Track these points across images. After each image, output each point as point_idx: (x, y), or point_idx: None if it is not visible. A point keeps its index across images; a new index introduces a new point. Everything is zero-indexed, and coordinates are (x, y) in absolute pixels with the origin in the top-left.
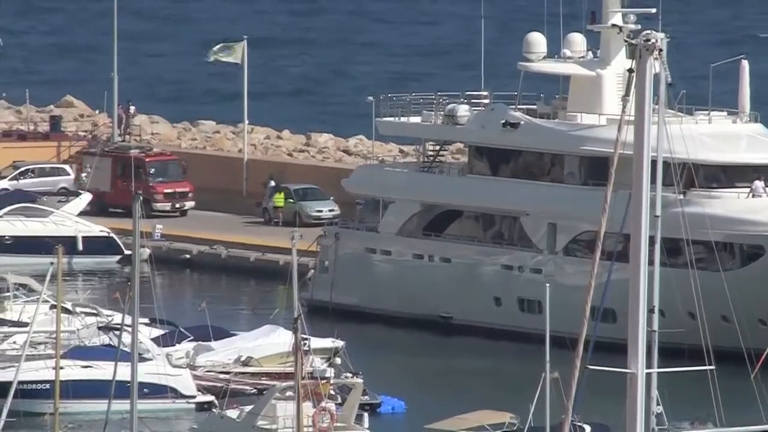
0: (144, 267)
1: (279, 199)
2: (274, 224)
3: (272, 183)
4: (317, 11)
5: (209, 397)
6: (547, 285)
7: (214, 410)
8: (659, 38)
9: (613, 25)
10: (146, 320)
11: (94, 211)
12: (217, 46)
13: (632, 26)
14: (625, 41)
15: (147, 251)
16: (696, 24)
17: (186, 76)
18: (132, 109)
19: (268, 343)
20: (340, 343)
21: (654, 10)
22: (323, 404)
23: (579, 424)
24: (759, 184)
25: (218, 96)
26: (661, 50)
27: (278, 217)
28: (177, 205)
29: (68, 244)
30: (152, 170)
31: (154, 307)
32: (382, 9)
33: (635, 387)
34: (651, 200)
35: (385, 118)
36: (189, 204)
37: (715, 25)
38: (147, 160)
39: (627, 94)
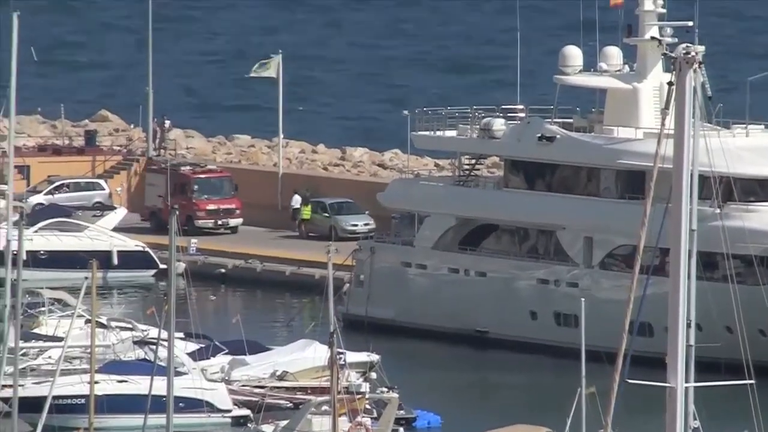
0: (179, 281)
1: (306, 212)
2: (307, 237)
3: (297, 197)
4: (353, 23)
5: (245, 412)
6: (583, 299)
7: (249, 425)
8: (699, 51)
9: (652, 38)
10: (181, 334)
11: (153, 228)
12: (257, 64)
13: (669, 39)
14: (664, 54)
15: (182, 266)
16: (732, 37)
17: (220, 90)
18: (167, 123)
19: (303, 357)
20: (375, 358)
21: (691, 23)
22: (359, 419)
23: None
24: None
25: (253, 110)
26: (701, 63)
27: (310, 230)
28: (220, 222)
29: (103, 258)
30: (196, 187)
31: (189, 322)
32: (414, 18)
33: (674, 401)
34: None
35: (420, 132)
36: (235, 221)
37: (752, 37)
38: (192, 176)
39: (666, 107)
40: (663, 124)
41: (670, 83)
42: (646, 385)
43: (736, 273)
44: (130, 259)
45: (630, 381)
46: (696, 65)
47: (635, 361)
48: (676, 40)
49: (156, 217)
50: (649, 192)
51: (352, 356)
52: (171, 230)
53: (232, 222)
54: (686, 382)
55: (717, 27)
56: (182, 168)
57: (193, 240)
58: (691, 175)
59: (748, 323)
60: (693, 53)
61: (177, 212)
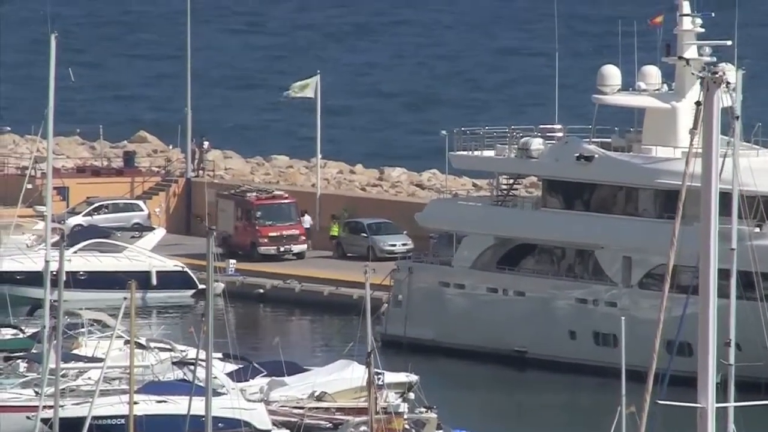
0: (218, 302)
1: (334, 230)
2: (344, 257)
3: (307, 218)
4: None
5: None
6: (623, 318)
7: None
8: (728, 71)
9: (680, 58)
10: (220, 355)
11: (225, 254)
12: (296, 84)
13: (707, 59)
14: (693, 74)
15: (221, 286)
16: None
17: (259, 112)
18: (206, 144)
19: (341, 378)
20: (414, 378)
21: (729, 43)
22: None
23: None
24: None
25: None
26: (728, 83)
27: (335, 247)
28: (283, 249)
29: (142, 279)
30: (259, 213)
31: (227, 342)
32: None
33: (706, 422)
34: (724, 233)
35: (458, 152)
36: (299, 247)
37: None
38: (256, 202)
39: (695, 126)
40: (692, 144)
41: (697, 103)
42: (678, 406)
43: None
44: (169, 280)
45: (661, 402)
46: (724, 85)
47: (676, 382)
48: (715, 59)
49: (227, 243)
50: (678, 211)
51: (391, 376)
52: (209, 250)
53: (296, 248)
54: (722, 401)
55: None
56: (248, 194)
57: (232, 260)
58: (731, 195)
59: None
60: (720, 73)
61: (214, 232)
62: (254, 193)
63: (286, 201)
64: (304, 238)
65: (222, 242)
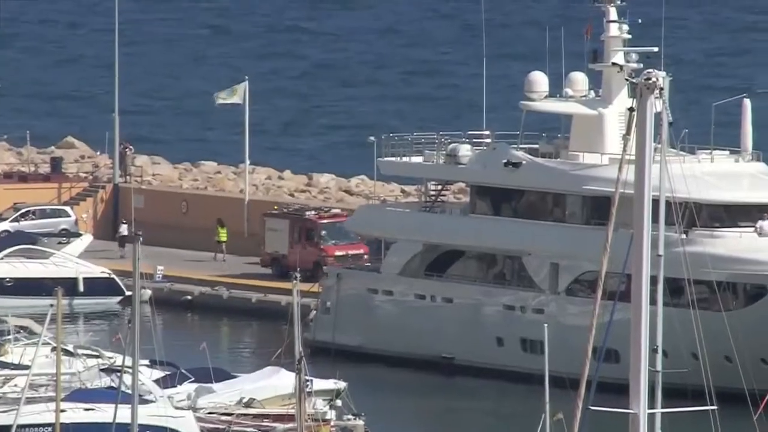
0: (145, 308)
1: (222, 235)
2: (217, 260)
3: (124, 226)
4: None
5: None
6: (546, 325)
7: None
8: (660, 77)
9: (614, 64)
10: (147, 362)
11: (275, 275)
12: (222, 91)
13: (634, 65)
14: (626, 80)
15: (148, 292)
16: (699, 63)
17: (186, 116)
18: (129, 150)
19: (270, 384)
20: (342, 385)
21: (656, 49)
22: None
23: None
24: (766, 223)
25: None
26: (662, 89)
27: (221, 251)
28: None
29: (69, 285)
30: (324, 232)
31: (155, 349)
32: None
33: (637, 428)
34: (654, 240)
35: (386, 158)
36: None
37: (718, 64)
38: (319, 221)
39: (628, 133)
40: (624, 150)
41: (630, 109)
42: (609, 411)
43: (701, 299)
44: (96, 286)
45: (593, 408)
46: (657, 91)
47: (603, 388)
48: (641, 66)
49: (278, 264)
50: (611, 218)
51: (319, 383)
52: (135, 256)
53: None
54: (651, 408)
55: (686, 51)
56: (307, 213)
57: (160, 267)
58: (658, 201)
59: (712, 349)
60: (654, 79)
61: (141, 239)
62: (313, 212)
63: (346, 219)
64: (367, 256)
65: (272, 263)
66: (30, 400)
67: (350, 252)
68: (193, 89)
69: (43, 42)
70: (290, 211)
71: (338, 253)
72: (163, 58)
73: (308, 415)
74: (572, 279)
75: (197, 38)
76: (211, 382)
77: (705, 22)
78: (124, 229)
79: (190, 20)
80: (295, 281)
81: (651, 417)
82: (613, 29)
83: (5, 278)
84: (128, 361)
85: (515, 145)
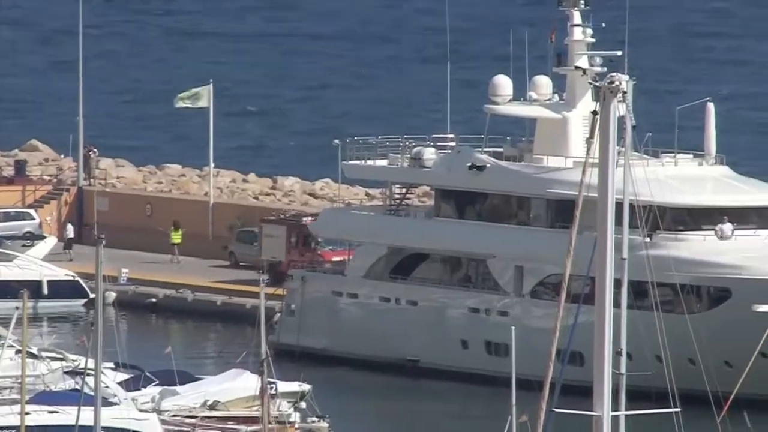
0: (109, 311)
1: (176, 237)
2: (173, 263)
3: (70, 226)
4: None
5: None
6: (513, 327)
7: None
8: (623, 81)
9: (577, 67)
10: (111, 364)
11: (272, 281)
12: (184, 93)
13: (598, 69)
14: (590, 83)
15: (113, 295)
16: (663, 68)
17: (151, 120)
18: (93, 153)
19: (234, 386)
20: (306, 387)
21: (620, 53)
22: None
23: None
24: (727, 226)
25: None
26: (625, 93)
27: (175, 252)
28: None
29: (33, 288)
30: (320, 238)
31: (118, 351)
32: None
33: (601, 430)
34: (617, 243)
35: (351, 162)
36: None
37: (680, 69)
38: None
39: (591, 136)
40: (588, 154)
41: (594, 112)
42: (573, 414)
43: (665, 302)
44: (61, 289)
45: (557, 410)
46: (620, 94)
47: (568, 391)
48: (606, 69)
49: (276, 270)
50: (574, 221)
51: (283, 386)
52: (97, 259)
53: None
54: (615, 410)
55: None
56: (304, 219)
57: (124, 269)
58: (622, 205)
59: (676, 352)
60: (617, 83)
61: (103, 242)
62: (310, 218)
63: None
64: None
65: (269, 269)
66: None
67: (347, 257)
68: (157, 92)
69: (7, 43)
70: (287, 217)
71: (335, 258)
72: (127, 60)
73: (272, 417)
74: (537, 282)
75: (161, 40)
76: (176, 385)
77: (670, 26)
78: (70, 231)
79: (155, 22)
80: (262, 284)
81: (615, 419)
82: (577, 33)
83: None
84: (92, 364)
85: (479, 149)
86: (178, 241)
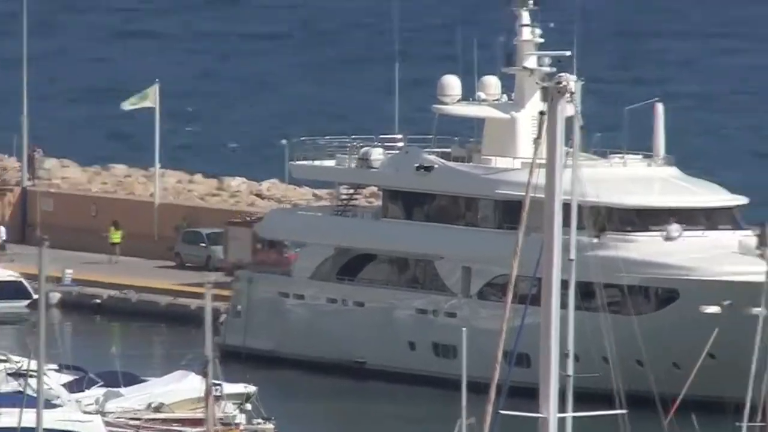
0: (53, 312)
1: (115, 236)
2: (112, 263)
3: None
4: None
5: None
6: (464, 329)
7: None
8: (571, 81)
9: (524, 68)
10: (55, 366)
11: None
12: (131, 97)
13: (547, 69)
14: (537, 84)
15: (57, 296)
16: (614, 68)
17: (95, 120)
18: (37, 153)
19: (179, 388)
20: (252, 389)
21: (569, 53)
22: None
23: None
24: (674, 227)
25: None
26: (573, 93)
27: (115, 252)
28: None
29: None
30: (288, 242)
31: (62, 353)
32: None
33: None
34: (564, 244)
35: (298, 162)
36: None
37: (631, 67)
38: None
39: (539, 136)
40: (536, 154)
41: (541, 113)
42: (520, 416)
43: (612, 303)
44: (4, 290)
45: (503, 412)
46: (568, 95)
47: (515, 392)
48: (555, 70)
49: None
50: (522, 222)
51: (229, 387)
52: (41, 260)
53: None
54: (561, 412)
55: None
56: None
57: (68, 270)
58: (568, 205)
59: (624, 353)
60: (565, 83)
61: (46, 243)
62: None
63: None
64: None
65: (235, 271)
66: None
67: None
68: (102, 91)
69: None
70: (253, 219)
71: None
72: (73, 57)
73: (217, 419)
74: (484, 283)
75: (108, 39)
76: (120, 386)
77: (619, 27)
78: (2, 232)
79: (100, 21)
80: (208, 284)
81: (561, 421)
82: (526, 33)
83: None
84: (35, 365)
85: (428, 149)
86: (118, 240)
